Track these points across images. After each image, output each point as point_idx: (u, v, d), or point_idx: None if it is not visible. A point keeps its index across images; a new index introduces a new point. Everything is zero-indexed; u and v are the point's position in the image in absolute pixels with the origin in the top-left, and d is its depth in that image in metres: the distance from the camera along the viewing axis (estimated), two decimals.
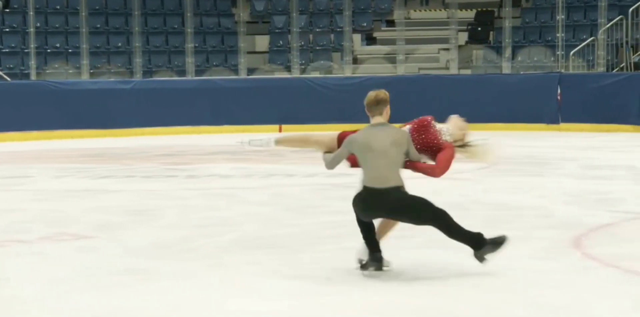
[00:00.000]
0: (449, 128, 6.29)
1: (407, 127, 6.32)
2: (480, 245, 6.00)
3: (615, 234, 7.59)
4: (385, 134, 6.02)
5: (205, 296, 5.63)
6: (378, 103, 6.11)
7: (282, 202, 9.54)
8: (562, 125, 18.91)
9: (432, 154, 6.23)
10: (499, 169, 12.32)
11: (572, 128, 18.68)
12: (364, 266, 6.08)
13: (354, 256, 6.22)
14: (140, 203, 9.61)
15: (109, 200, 9.88)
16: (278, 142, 6.61)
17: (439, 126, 6.29)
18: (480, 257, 6.03)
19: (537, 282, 5.87)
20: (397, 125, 6.22)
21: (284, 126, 19.70)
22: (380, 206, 5.96)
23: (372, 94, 6.17)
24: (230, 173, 12.26)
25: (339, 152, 6.22)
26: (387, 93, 6.15)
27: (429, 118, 6.33)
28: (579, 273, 6.09)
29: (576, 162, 13.03)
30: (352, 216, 8.48)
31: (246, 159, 14.27)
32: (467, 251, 6.74)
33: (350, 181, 11.28)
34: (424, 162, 6.18)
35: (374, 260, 6.04)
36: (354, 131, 6.32)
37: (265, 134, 6.64)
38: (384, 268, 6.04)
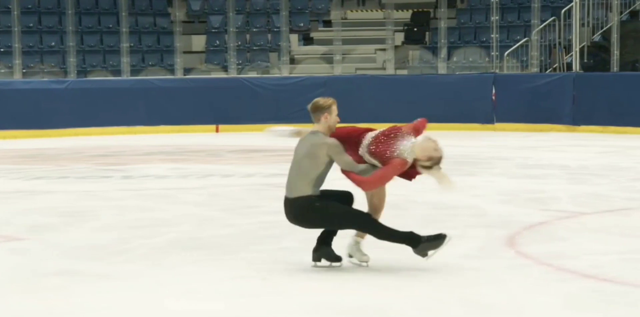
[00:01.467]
0: (415, 148, 6.07)
1: (376, 132, 6.22)
2: (416, 242, 6.08)
3: (548, 232, 7.70)
4: (305, 144, 6.11)
5: (142, 296, 5.58)
6: (314, 110, 6.16)
7: (218, 203, 9.50)
8: (497, 125, 19.13)
9: (381, 161, 6.16)
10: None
11: (507, 128, 18.91)
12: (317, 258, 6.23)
13: (290, 256, 6.22)
14: (75, 204, 9.49)
15: (43, 201, 9.75)
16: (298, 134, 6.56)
17: (404, 142, 6.09)
18: (421, 253, 6.13)
19: (471, 280, 5.93)
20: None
21: (221, 126, 19.63)
22: (288, 215, 6.13)
23: (314, 101, 6.20)
24: (166, 174, 12.18)
25: None
26: (328, 101, 6.15)
27: (405, 128, 6.22)
28: (512, 271, 6.16)
29: (510, 162, 13.19)
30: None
31: (182, 160, 14.18)
32: (402, 250, 6.79)
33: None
34: (360, 171, 6.09)
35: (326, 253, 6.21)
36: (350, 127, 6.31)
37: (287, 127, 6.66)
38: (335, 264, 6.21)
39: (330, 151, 6.03)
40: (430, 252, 6.10)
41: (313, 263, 6.25)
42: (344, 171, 6.11)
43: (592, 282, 5.88)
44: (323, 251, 6.24)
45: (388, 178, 6.04)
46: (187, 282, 5.93)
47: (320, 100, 6.17)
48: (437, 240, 6.09)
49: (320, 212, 6.04)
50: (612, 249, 6.92)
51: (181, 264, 6.44)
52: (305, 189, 6.05)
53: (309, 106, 6.17)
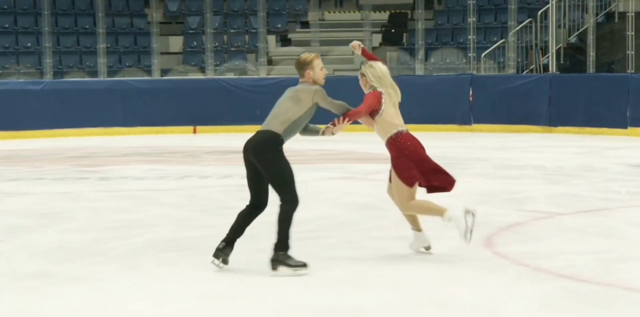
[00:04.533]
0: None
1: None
2: (280, 250, 6.03)
3: (524, 232, 7.73)
4: (290, 91, 6.28)
5: (116, 298, 5.55)
6: (298, 67, 6.29)
7: (196, 204, 9.47)
8: (474, 126, 19.17)
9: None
10: None
11: (484, 129, 18.96)
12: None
13: (265, 257, 6.21)
14: (50, 206, 9.44)
15: (18, 202, 9.68)
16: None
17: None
18: (273, 263, 6.03)
19: (448, 280, 5.94)
20: None
21: (198, 127, 19.58)
22: (247, 145, 6.12)
23: (298, 57, 6.36)
24: (143, 175, 12.13)
25: None
26: (309, 56, 6.28)
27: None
28: (489, 271, 6.18)
29: (487, 163, 13.22)
30: (266, 218, 8.48)
31: (160, 161, 14.13)
32: (376, 251, 6.79)
33: None
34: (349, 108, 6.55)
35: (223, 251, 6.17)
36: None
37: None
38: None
39: (316, 97, 6.19)
40: (280, 268, 5.99)
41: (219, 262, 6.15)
42: (343, 116, 6.34)
43: (568, 282, 5.90)
44: (227, 251, 6.16)
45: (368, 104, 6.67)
46: (163, 283, 5.91)
47: (302, 56, 6.30)
48: (293, 263, 6.00)
49: (274, 156, 6.02)
50: (588, 249, 6.95)
51: (157, 266, 6.41)
52: (277, 127, 6.10)
53: (295, 63, 6.29)
